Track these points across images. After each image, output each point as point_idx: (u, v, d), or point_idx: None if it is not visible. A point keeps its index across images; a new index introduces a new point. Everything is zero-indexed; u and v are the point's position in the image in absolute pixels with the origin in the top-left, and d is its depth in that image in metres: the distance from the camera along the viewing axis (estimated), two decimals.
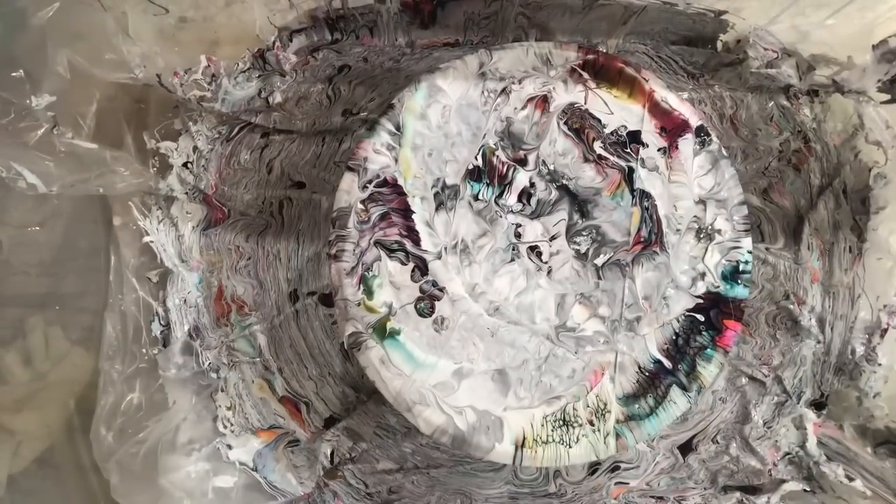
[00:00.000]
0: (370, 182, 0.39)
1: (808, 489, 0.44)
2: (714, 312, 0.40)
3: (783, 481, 0.44)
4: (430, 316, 0.38)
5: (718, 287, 0.41)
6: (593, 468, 0.43)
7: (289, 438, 0.43)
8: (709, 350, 0.40)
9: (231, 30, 0.45)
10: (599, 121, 0.41)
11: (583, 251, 0.40)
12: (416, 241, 0.39)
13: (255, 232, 0.45)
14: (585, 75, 0.42)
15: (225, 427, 0.43)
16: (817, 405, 0.46)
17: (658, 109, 0.42)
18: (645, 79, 0.42)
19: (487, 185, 0.40)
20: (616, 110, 0.42)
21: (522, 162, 0.41)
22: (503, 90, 0.41)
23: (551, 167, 0.41)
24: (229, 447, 0.43)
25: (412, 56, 0.46)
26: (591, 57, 0.41)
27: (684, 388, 0.39)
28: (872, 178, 0.45)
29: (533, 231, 0.40)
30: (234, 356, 0.44)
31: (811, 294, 0.46)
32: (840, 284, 0.46)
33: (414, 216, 0.39)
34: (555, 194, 0.41)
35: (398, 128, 0.40)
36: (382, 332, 0.38)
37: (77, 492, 0.40)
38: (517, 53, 0.41)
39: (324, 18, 0.44)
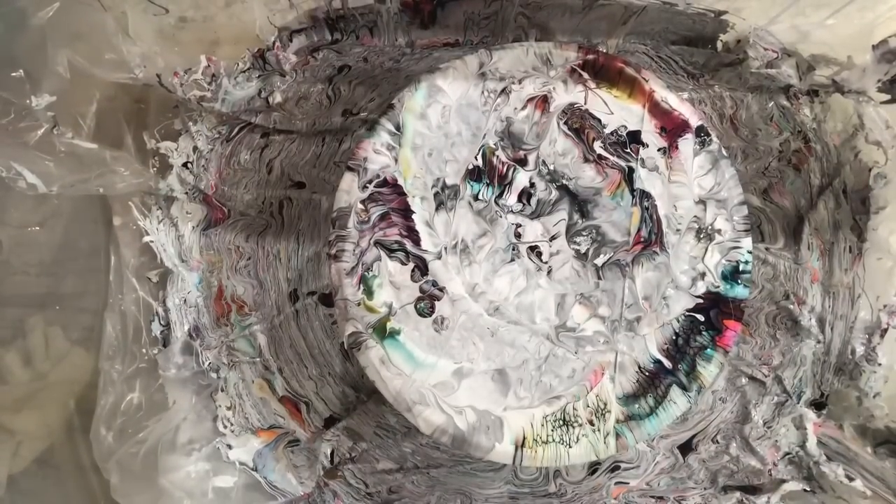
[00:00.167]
0: (370, 182, 0.39)
1: (808, 489, 0.44)
2: (714, 312, 0.40)
3: (783, 481, 0.44)
4: (430, 316, 0.38)
5: (718, 287, 0.41)
6: (593, 468, 0.43)
7: (289, 438, 0.43)
8: (709, 350, 0.40)
9: (231, 30, 0.45)
10: (599, 121, 0.41)
11: (583, 251, 0.40)
12: (416, 241, 0.39)
13: (255, 232, 0.45)
14: (585, 75, 0.42)
15: (225, 427, 0.43)
16: (817, 405, 0.46)
17: (658, 109, 0.42)
18: (645, 79, 0.42)
19: (487, 185, 0.40)
20: (616, 110, 0.42)
21: (522, 162, 0.41)
22: (503, 90, 0.41)
23: (551, 167, 0.41)
24: (229, 447, 0.43)
25: (412, 56, 0.46)
26: (591, 57, 0.41)
27: (684, 388, 0.39)
28: (872, 178, 0.45)
29: (533, 231, 0.40)
30: (234, 356, 0.44)
31: (811, 294, 0.46)
32: (840, 284, 0.46)
33: (414, 216, 0.39)
34: (555, 194, 0.41)
35: (398, 128, 0.40)
36: (382, 332, 0.38)
37: (77, 492, 0.40)
38: (517, 53, 0.41)
39: (324, 18, 0.44)
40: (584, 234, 0.41)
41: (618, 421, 0.38)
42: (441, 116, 0.41)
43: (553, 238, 0.40)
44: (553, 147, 0.41)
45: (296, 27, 0.44)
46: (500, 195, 0.40)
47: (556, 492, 0.43)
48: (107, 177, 0.39)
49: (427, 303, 0.39)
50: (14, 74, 0.35)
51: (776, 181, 0.47)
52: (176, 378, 0.42)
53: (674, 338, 0.40)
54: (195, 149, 0.45)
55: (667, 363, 0.40)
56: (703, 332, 0.40)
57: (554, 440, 0.38)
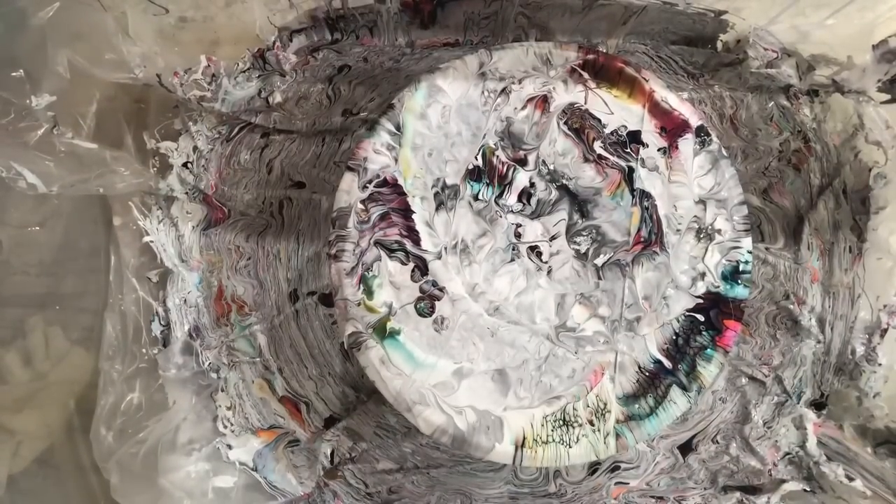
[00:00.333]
0: (370, 182, 0.39)
1: (808, 489, 0.44)
2: (714, 312, 0.40)
3: (783, 481, 0.44)
4: (430, 316, 0.38)
5: (718, 287, 0.41)
6: (593, 468, 0.43)
7: (289, 438, 0.43)
8: (709, 350, 0.40)
9: (231, 30, 0.45)
10: (599, 121, 0.41)
11: (583, 251, 0.40)
12: (416, 241, 0.39)
13: (255, 232, 0.45)
14: (585, 75, 0.42)
15: (225, 427, 0.43)
16: (817, 405, 0.46)
17: (658, 109, 0.42)
18: (645, 79, 0.42)
19: (487, 185, 0.40)
20: (616, 110, 0.42)
21: (522, 162, 0.41)
22: (503, 90, 0.41)
23: (551, 167, 0.41)
24: (229, 447, 0.43)
25: (412, 56, 0.46)
26: (591, 57, 0.41)
27: (684, 388, 0.39)
28: (872, 178, 0.45)
29: (533, 231, 0.40)
30: (234, 356, 0.44)
31: (811, 294, 0.46)
32: (840, 284, 0.46)
33: (414, 216, 0.39)
34: (555, 194, 0.41)
35: (398, 128, 0.40)
36: (382, 332, 0.38)
37: (77, 492, 0.40)
38: (517, 53, 0.41)
39: (324, 18, 0.44)
40: (584, 234, 0.41)
41: (618, 421, 0.38)
42: (441, 116, 0.41)
43: (553, 238, 0.40)
44: (553, 147, 0.41)
45: (296, 27, 0.44)
46: (500, 195, 0.40)
47: (556, 492, 0.43)
48: (107, 177, 0.39)
49: (427, 303, 0.39)
50: (14, 74, 0.35)
51: (776, 181, 0.47)
52: (176, 378, 0.42)
53: (674, 338, 0.40)
54: (195, 149, 0.45)
55: (667, 363, 0.40)
56: (703, 332, 0.40)
57: (554, 440, 0.38)
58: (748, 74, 0.46)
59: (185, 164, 0.44)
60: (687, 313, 0.40)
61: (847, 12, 0.43)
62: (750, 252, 0.41)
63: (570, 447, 0.38)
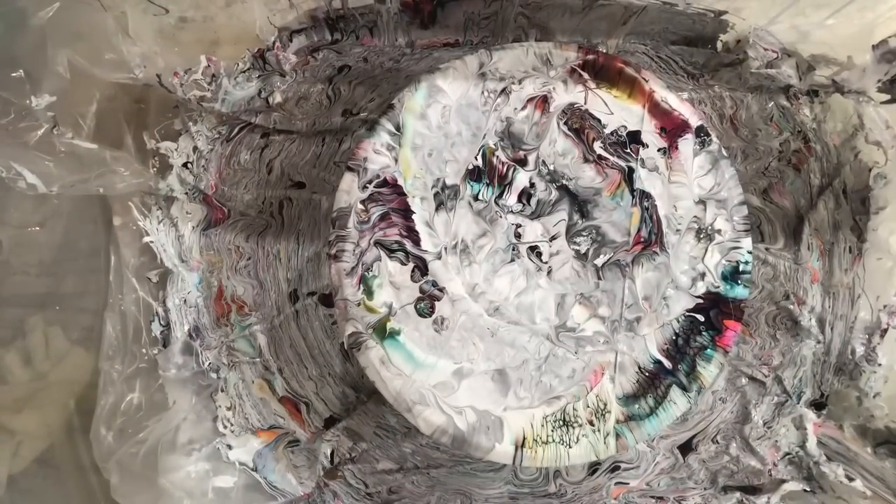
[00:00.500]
0: (370, 182, 0.39)
1: (808, 489, 0.44)
2: (714, 312, 0.40)
3: (783, 481, 0.44)
4: (430, 316, 0.38)
5: (718, 287, 0.41)
6: (593, 468, 0.43)
7: (289, 438, 0.43)
8: (709, 350, 0.40)
9: (231, 30, 0.45)
10: (599, 121, 0.41)
11: (583, 251, 0.40)
12: (416, 241, 0.39)
13: (255, 232, 0.45)
14: (585, 75, 0.42)
15: (225, 427, 0.43)
16: (817, 405, 0.46)
17: (658, 109, 0.42)
18: (645, 79, 0.42)
19: (487, 185, 0.40)
20: (616, 110, 0.42)
21: (522, 162, 0.41)
22: (503, 90, 0.41)
23: (551, 167, 0.41)
24: (229, 447, 0.43)
25: (412, 56, 0.46)
26: (591, 57, 0.41)
27: (684, 388, 0.39)
28: (872, 178, 0.45)
29: (533, 231, 0.40)
30: (234, 356, 0.44)
31: (811, 294, 0.46)
32: (840, 284, 0.46)
33: (414, 216, 0.39)
34: (555, 194, 0.41)
35: (398, 128, 0.40)
36: (382, 332, 0.38)
37: (77, 492, 0.40)
38: (517, 53, 0.41)
39: (324, 18, 0.44)
40: (584, 234, 0.41)
41: (618, 421, 0.38)
42: (441, 116, 0.41)
43: (553, 238, 0.40)
44: (553, 147, 0.41)
45: (296, 27, 0.44)
46: (500, 195, 0.40)
47: (556, 492, 0.43)
48: (107, 177, 0.39)
49: (427, 303, 0.39)
50: (14, 74, 0.35)
51: (776, 181, 0.47)
52: (176, 378, 0.42)
53: (674, 338, 0.40)
54: (195, 149, 0.45)
55: (667, 363, 0.40)
56: (703, 333, 0.40)
57: (554, 440, 0.38)
58: (748, 74, 0.46)
59: (185, 165, 0.44)
60: (687, 313, 0.40)
61: (847, 12, 0.43)
62: (750, 252, 0.41)
63: (570, 447, 0.38)
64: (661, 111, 0.42)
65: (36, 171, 0.35)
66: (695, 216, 0.41)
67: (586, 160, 0.41)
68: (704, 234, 0.41)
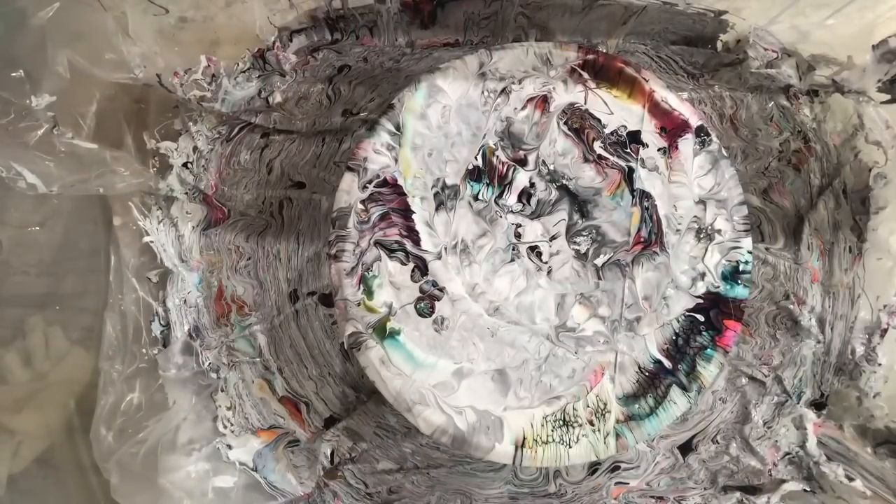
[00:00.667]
0: (370, 182, 0.39)
1: (808, 489, 0.44)
2: (714, 312, 0.40)
3: (783, 481, 0.44)
4: (430, 316, 0.38)
5: (718, 287, 0.41)
6: (593, 468, 0.43)
7: (289, 438, 0.43)
8: (709, 350, 0.40)
9: (231, 30, 0.45)
10: (599, 121, 0.41)
11: (583, 251, 0.40)
12: (416, 241, 0.39)
13: (255, 232, 0.45)
14: (585, 75, 0.42)
15: (225, 427, 0.43)
16: (817, 405, 0.46)
17: (658, 109, 0.42)
18: (645, 79, 0.42)
19: (487, 185, 0.40)
20: (616, 110, 0.42)
21: (522, 162, 0.41)
22: (503, 90, 0.41)
23: (551, 167, 0.41)
24: (229, 447, 0.43)
25: (412, 56, 0.46)
26: (591, 57, 0.41)
27: (684, 388, 0.39)
28: (872, 178, 0.45)
29: (533, 231, 0.40)
30: (234, 356, 0.44)
31: (811, 294, 0.46)
32: (840, 284, 0.46)
33: (414, 216, 0.39)
34: (555, 194, 0.41)
35: (398, 128, 0.40)
36: (382, 332, 0.38)
37: (77, 492, 0.40)
38: (517, 53, 0.41)
39: (324, 18, 0.44)
40: (584, 234, 0.41)
41: (618, 421, 0.38)
42: (441, 116, 0.41)
43: (553, 238, 0.40)
44: (553, 147, 0.41)
45: (296, 27, 0.44)
46: (500, 195, 0.40)
47: (556, 492, 0.43)
48: (107, 177, 0.39)
49: (427, 303, 0.39)
50: (14, 74, 0.35)
51: (776, 181, 0.47)
52: (176, 378, 0.42)
53: (674, 338, 0.40)
54: (195, 149, 0.45)
55: (667, 363, 0.40)
56: (703, 332, 0.40)
57: (554, 440, 0.38)
58: (748, 74, 0.46)
59: (185, 164, 0.44)
60: (687, 313, 0.40)
61: (847, 12, 0.43)
62: (750, 252, 0.41)
63: (570, 447, 0.38)
64: (661, 111, 0.42)
65: (36, 171, 0.35)
66: (695, 216, 0.41)
67: (586, 160, 0.41)
68: (704, 233, 0.41)
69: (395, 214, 0.39)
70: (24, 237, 0.39)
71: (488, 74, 0.41)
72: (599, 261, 0.40)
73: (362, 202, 0.39)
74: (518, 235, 0.40)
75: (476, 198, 0.40)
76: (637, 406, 0.39)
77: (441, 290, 0.39)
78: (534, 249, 0.40)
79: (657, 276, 0.40)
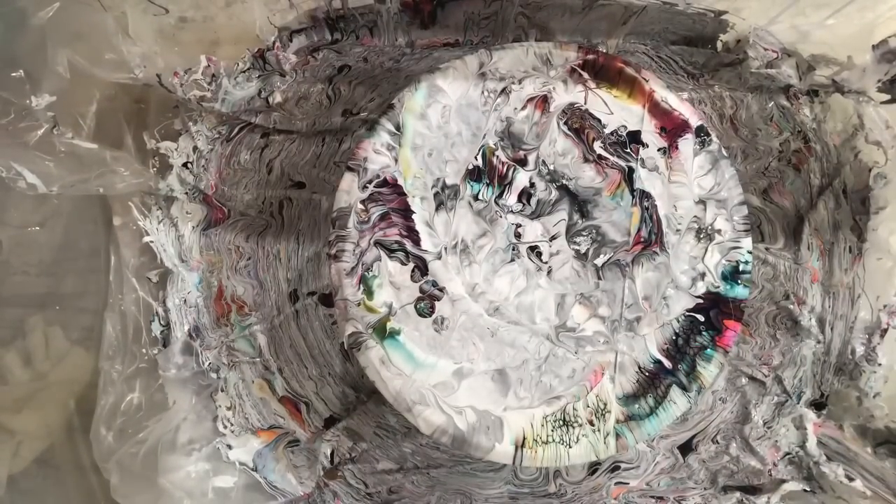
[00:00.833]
0: (370, 182, 0.39)
1: (808, 489, 0.44)
2: (714, 312, 0.40)
3: (783, 481, 0.44)
4: (430, 316, 0.38)
5: (718, 287, 0.41)
6: (593, 468, 0.43)
7: (289, 438, 0.43)
8: (709, 350, 0.40)
9: (231, 30, 0.45)
10: (599, 121, 0.41)
11: (583, 251, 0.40)
12: (416, 241, 0.39)
13: (255, 232, 0.45)
14: (585, 75, 0.42)
15: (225, 427, 0.43)
16: (817, 405, 0.46)
17: (658, 109, 0.42)
18: (645, 79, 0.42)
19: (487, 185, 0.40)
20: (616, 110, 0.42)
21: (522, 162, 0.41)
22: (503, 90, 0.41)
23: (551, 167, 0.41)
24: (229, 447, 0.43)
25: (412, 56, 0.46)
26: (591, 57, 0.41)
27: (684, 388, 0.39)
28: (872, 178, 0.45)
29: (533, 231, 0.40)
30: (234, 356, 0.44)
31: (811, 294, 0.46)
32: (840, 284, 0.46)
33: (414, 216, 0.39)
34: (555, 194, 0.41)
35: (398, 128, 0.40)
36: (382, 332, 0.38)
37: (77, 492, 0.40)
38: (517, 53, 0.41)
39: (324, 18, 0.44)
40: (584, 234, 0.41)
41: (618, 421, 0.38)
42: (441, 116, 0.41)
43: (553, 238, 0.40)
44: (553, 147, 0.41)
45: (296, 27, 0.44)
46: (500, 195, 0.40)
47: (556, 492, 0.43)
48: (107, 177, 0.39)
49: (427, 303, 0.39)
50: (14, 74, 0.35)
51: (776, 181, 0.47)
52: (176, 378, 0.42)
53: (674, 338, 0.40)
54: (195, 149, 0.45)
55: (667, 363, 0.40)
56: (703, 332, 0.40)
57: (554, 440, 0.38)
58: (748, 74, 0.46)
59: (185, 164, 0.44)
60: (687, 313, 0.40)
61: (847, 12, 0.43)
62: (750, 252, 0.41)
63: (570, 447, 0.38)
64: (661, 111, 0.42)
65: (36, 171, 0.35)
66: (695, 216, 0.41)
67: (586, 160, 0.41)
68: (704, 233, 0.41)
69: (395, 214, 0.39)
70: (24, 237, 0.39)
71: (488, 74, 0.41)
72: (599, 261, 0.40)
73: (362, 202, 0.39)
74: (518, 235, 0.40)
75: (476, 198, 0.40)
76: (637, 406, 0.39)
77: (441, 290, 0.39)
78: (534, 249, 0.40)
79: (657, 276, 0.40)
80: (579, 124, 0.41)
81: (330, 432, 0.43)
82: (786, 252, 0.46)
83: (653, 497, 0.45)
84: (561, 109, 0.41)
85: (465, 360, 0.38)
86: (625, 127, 0.42)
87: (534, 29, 0.46)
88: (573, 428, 0.38)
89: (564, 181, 0.41)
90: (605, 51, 0.46)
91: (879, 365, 0.45)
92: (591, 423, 0.38)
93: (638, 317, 0.40)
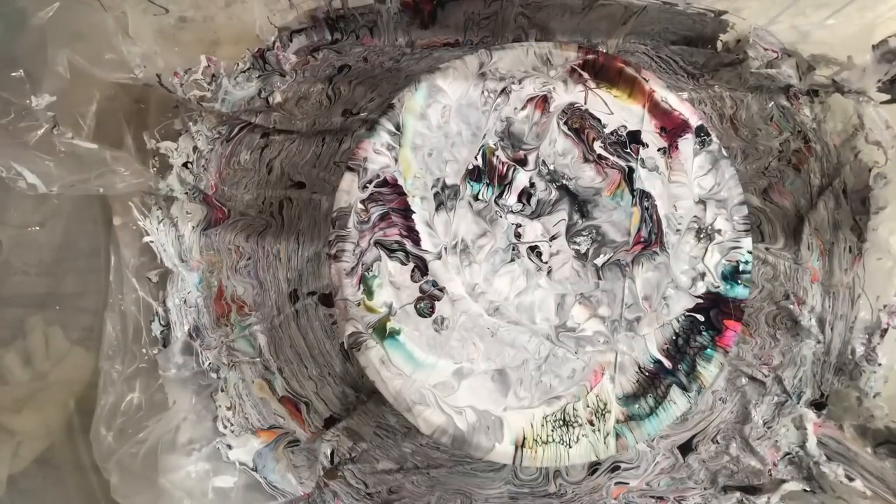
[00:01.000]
0: (370, 182, 0.39)
1: (808, 489, 0.44)
2: (714, 312, 0.40)
3: (783, 481, 0.44)
4: (430, 316, 0.38)
5: (718, 287, 0.41)
6: (593, 468, 0.43)
7: (289, 438, 0.43)
8: (709, 350, 0.40)
9: (231, 30, 0.45)
10: (599, 121, 0.41)
11: (583, 251, 0.40)
12: (416, 241, 0.39)
13: (255, 232, 0.45)
14: (585, 75, 0.42)
15: (225, 427, 0.43)
16: (817, 405, 0.46)
17: (658, 109, 0.42)
18: (645, 79, 0.42)
19: (487, 185, 0.40)
20: (616, 110, 0.42)
21: (522, 162, 0.41)
22: (503, 90, 0.41)
23: (551, 167, 0.41)
24: (229, 447, 0.43)
25: (412, 56, 0.46)
26: (591, 57, 0.41)
27: (684, 388, 0.39)
28: (872, 178, 0.45)
29: (533, 231, 0.40)
30: (234, 356, 0.44)
31: (811, 294, 0.46)
32: (840, 284, 0.46)
33: (414, 216, 0.39)
34: (555, 194, 0.41)
35: (398, 128, 0.40)
36: (382, 332, 0.38)
37: (77, 492, 0.40)
38: (517, 53, 0.41)
39: (324, 18, 0.44)
40: (584, 234, 0.41)
41: (618, 421, 0.38)
42: (441, 116, 0.41)
43: (553, 238, 0.40)
44: (553, 147, 0.41)
45: (296, 27, 0.44)
46: (500, 195, 0.40)
47: (556, 492, 0.43)
48: (107, 177, 0.39)
49: (427, 303, 0.39)
50: (14, 74, 0.35)
51: (776, 181, 0.47)
52: (176, 378, 0.42)
53: (674, 338, 0.40)
54: (195, 149, 0.45)
55: (667, 363, 0.40)
56: (703, 332, 0.40)
57: (554, 440, 0.38)
58: (748, 74, 0.46)
59: (185, 164, 0.44)
60: (687, 313, 0.40)
61: (847, 12, 0.43)
62: (750, 252, 0.41)
63: (570, 447, 0.38)
64: (661, 111, 0.42)
65: (36, 171, 0.35)
66: (695, 216, 0.41)
67: (586, 160, 0.41)
68: (704, 233, 0.41)
69: (395, 214, 0.39)
70: (24, 237, 0.39)
71: (488, 74, 0.41)
72: (599, 261, 0.40)
73: (362, 202, 0.39)
74: (518, 235, 0.40)
75: (476, 198, 0.40)
76: (637, 406, 0.39)
77: (441, 290, 0.39)
78: (534, 249, 0.40)
79: (657, 276, 0.40)
80: (579, 124, 0.41)
81: (330, 432, 0.43)
82: (786, 252, 0.46)
83: (653, 497, 0.45)
84: (561, 109, 0.41)
85: (465, 360, 0.38)
86: (625, 127, 0.42)
87: (534, 29, 0.46)
88: (573, 428, 0.38)
89: (564, 181, 0.41)
90: (605, 51, 0.46)
91: (879, 365, 0.45)
92: (591, 423, 0.38)
93: (638, 317, 0.40)
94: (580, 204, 0.41)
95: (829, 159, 0.47)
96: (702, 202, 0.41)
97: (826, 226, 0.46)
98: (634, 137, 0.41)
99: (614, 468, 0.44)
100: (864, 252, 0.45)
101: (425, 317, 0.38)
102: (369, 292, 0.38)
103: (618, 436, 0.38)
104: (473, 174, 0.40)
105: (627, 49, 0.48)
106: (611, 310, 0.40)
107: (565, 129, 0.41)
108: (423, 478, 0.43)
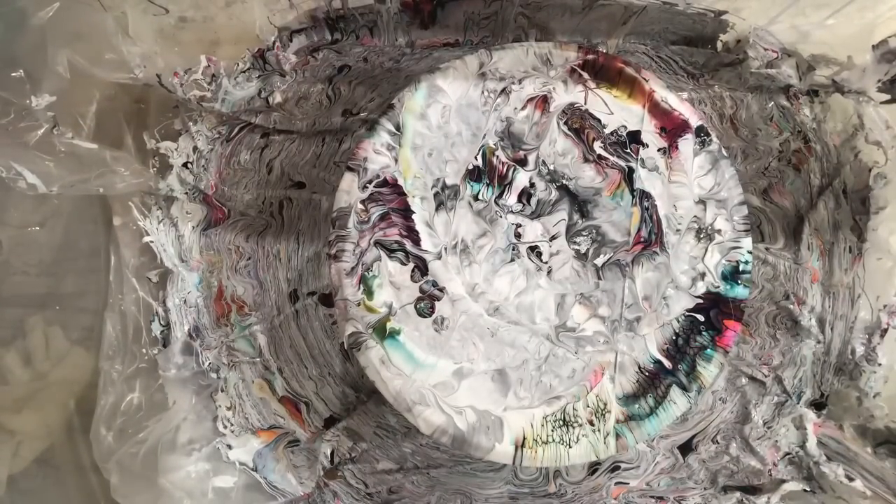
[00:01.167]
0: (370, 182, 0.39)
1: (808, 489, 0.44)
2: (714, 312, 0.40)
3: (783, 481, 0.44)
4: (430, 316, 0.38)
5: (718, 287, 0.41)
6: (593, 468, 0.43)
7: (289, 438, 0.43)
8: (709, 350, 0.40)
9: (231, 30, 0.45)
10: (599, 121, 0.41)
11: (583, 251, 0.40)
12: (416, 241, 0.39)
13: (255, 232, 0.45)
14: (585, 75, 0.42)
15: (225, 427, 0.43)
16: (817, 405, 0.46)
17: (658, 109, 0.42)
18: (645, 79, 0.42)
19: (487, 185, 0.40)
20: (616, 110, 0.42)
21: (522, 162, 0.41)
22: (503, 90, 0.41)
23: (551, 167, 0.41)
24: (229, 447, 0.43)
25: (412, 56, 0.46)
26: (591, 57, 0.41)
27: (684, 388, 0.39)
28: (872, 178, 0.45)
29: (533, 231, 0.40)
30: (234, 356, 0.44)
31: (811, 294, 0.46)
32: (840, 284, 0.46)
33: (414, 216, 0.39)
34: (555, 194, 0.41)
35: (398, 128, 0.40)
36: (382, 332, 0.38)
37: (77, 492, 0.40)
38: (517, 53, 0.41)
39: (324, 18, 0.44)
40: (584, 234, 0.41)
41: (618, 421, 0.38)
42: (441, 116, 0.41)
43: (553, 238, 0.40)
44: (553, 147, 0.41)
45: (296, 27, 0.44)
46: (500, 195, 0.40)
47: (556, 492, 0.43)
48: (107, 177, 0.39)
49: (427, 303, 0.39)
50: (14, 74, 0.35)
51: (776, 181, 0.47)
52: (176, 378, 0.42)
53: (674, 338, 0.40)
54: (195, 149, 0.45)
55: (667, 363, 0.40)
56: (703, 332, 0.40)
57: (554, 440, 0.38)
58: (748, 74, 0.46)
59: (185, 164, 0.44)
60: (687, 313, 0.40)
61: (847, 12, 0.43)
62: (750, 252, 0.41)
63: (570, 447, 0.38)
64: (661, 111, 0.42)
65: (36, 171, 0.35)
66: (695, 216, 0.41)
67: (586, 160, 0.41)
68: (704, 234, 0.41)
69: (395, 214, 0.39)
70: (24, 237, 0.39)
71: (488, 74, 0.41)
72: (599, 261, 0.40)
73: (362, 202, 0.39)
74: (518, 235, 0.40)
75: (476, 198, 0.40)
76: (637, 406, 0.39)
77: (441, 290, 0.39)
78: (534, 249, 0.40)
79: (657, 276, 0.40)
80: (579, 124, 0.41)
81: (330, 432, 0.43)
82: (786, 252, 0.46)
83: (653, 497, 0.45)
84: (561, 109, 0.41)
85: (465, 360, 0.38)
86: (625, 127, 0.42)
87: (534, 29, 0.46)
88: (573, 428, 0.38)
89: (564, 181, 0.41)
90: (605, 51, 0.46)
91: (879, 365, 0.45)
92: (591, 423, 0.38)
93: (638, 317, 0.40)
94: (580, 204, 0.41)
95: (829, 159, 0.47)
96: (702, 202, 0.41)
97: (826, 226, 0.46)
98: (634, 137, 0.41)
99: (614, 468, 0.44)
100: (864, 252, 0.45)
101: (425, 317, 0.38)
102: (369, 292, 0.38)
103: (618, 436, 0.38)
104: (473, 174, 0.40)
105: (627, 49, 0.48)
106: (611, 310, 0.40)
107: (565, 129, 0.41)
108: (423, 478, 0.43)
